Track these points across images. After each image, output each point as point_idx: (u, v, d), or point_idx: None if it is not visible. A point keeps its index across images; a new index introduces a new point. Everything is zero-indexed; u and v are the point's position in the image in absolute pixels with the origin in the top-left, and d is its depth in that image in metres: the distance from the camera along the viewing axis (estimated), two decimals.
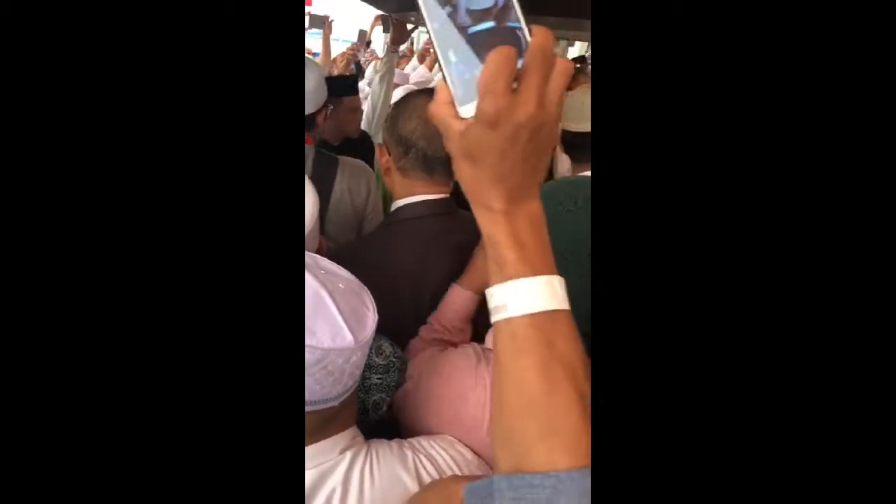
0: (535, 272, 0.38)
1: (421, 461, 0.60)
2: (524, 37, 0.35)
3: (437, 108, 0.37)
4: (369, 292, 0.60)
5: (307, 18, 2.97)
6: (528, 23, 0.35)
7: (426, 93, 0.96)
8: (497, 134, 0.35)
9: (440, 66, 0.36)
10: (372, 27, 3.54)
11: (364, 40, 3.55)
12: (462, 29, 0.35)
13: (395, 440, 0.64)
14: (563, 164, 1.83)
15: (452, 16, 0.35)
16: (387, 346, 0.72)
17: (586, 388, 0.38)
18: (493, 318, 0.39)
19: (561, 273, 0.63)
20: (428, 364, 0.74)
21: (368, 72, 3.38)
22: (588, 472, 0.35)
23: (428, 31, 0.36)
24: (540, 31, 0.34)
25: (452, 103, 0.36)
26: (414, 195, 0.94)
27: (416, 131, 0.91)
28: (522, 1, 0.35)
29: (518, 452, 0.37)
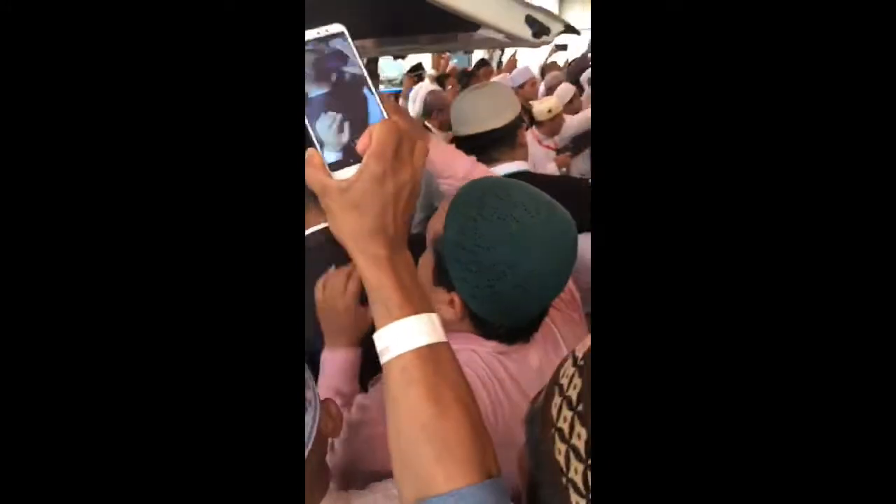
0: (417, 311, 0.42)
1: None
2: (381, 111, 0.42)
3: (314, 171, 0.42)
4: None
5: None
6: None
7: None
8: (383, 189, 0.41)
9: (309, 136, 0.42)
10: None
11: None
12: (328, 102, 0.42)
13: None
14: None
15: (322, 96, 0.42)
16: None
17: (474, 408, 0.42)
18: (384, 359, 0.42)
19: (517, 305, 0.66)
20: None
21: None
22: (486, 484, 0.39)
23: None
24: (392, 118, 0.42)
25: (325, 167, 0.42)
26: (309, 226, 0.98)
27: None
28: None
29: (419, 480, 0.40)
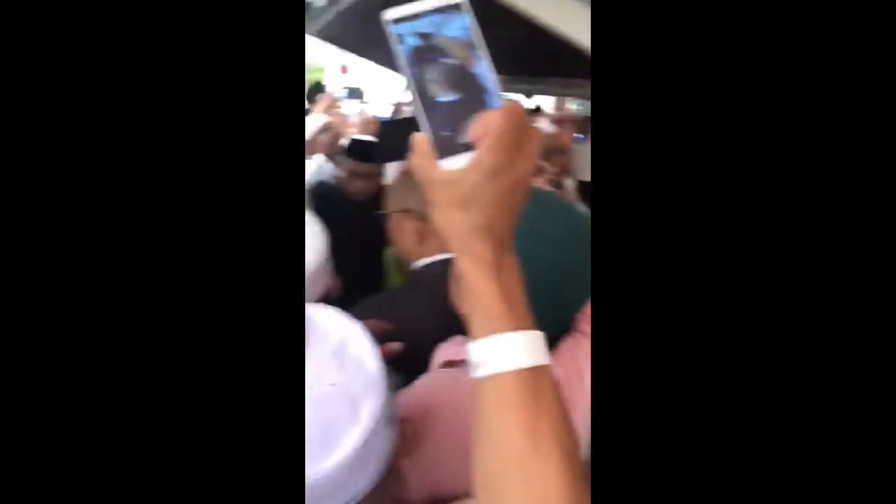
0: (522, 326, 0.38)
1: None
2: (498, 95, 0.38)
3: (420, 159, 0.38)
4: (376, 391, 0.49)
5: (346, 91, 3.12)
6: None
7: None
8: (496, 183, 0.36)
9: (419, 119, 0.38)
10: None
11: None
12: (441, 87, 0.38)
13: None
14: None
15: (432, 75, 0.38)
16: None
17: (571, 444, 0.38)
18: (478, 373, 0.38)
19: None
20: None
21: None
22: None
23: (409, 88, 0.38)
24: (512, 104, 0.37)
25: (432, 154, 0.38)
26: (435, 254, 1.03)
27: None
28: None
29: None
